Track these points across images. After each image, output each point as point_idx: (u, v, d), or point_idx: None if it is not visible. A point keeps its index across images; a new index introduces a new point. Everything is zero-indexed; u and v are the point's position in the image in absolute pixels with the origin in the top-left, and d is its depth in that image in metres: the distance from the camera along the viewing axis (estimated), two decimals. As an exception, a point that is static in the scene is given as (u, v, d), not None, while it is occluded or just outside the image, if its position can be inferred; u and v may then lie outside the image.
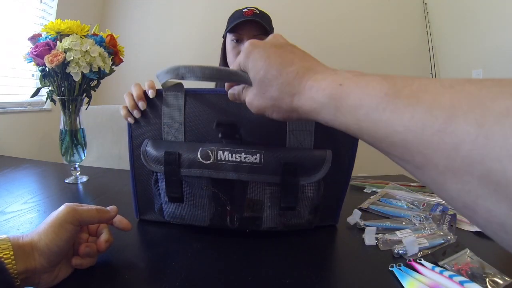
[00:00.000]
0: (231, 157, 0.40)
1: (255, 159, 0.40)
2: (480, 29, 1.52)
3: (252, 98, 0.31)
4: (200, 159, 0.40)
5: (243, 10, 1.05)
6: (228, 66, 1.09)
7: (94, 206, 0.37)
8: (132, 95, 0.47)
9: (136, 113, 0.47)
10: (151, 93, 0.46)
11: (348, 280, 0.38)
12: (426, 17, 1.80)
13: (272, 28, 1.11)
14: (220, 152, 0.40)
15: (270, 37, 0.33)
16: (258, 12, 1.06)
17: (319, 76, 0.26)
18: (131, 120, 0.47)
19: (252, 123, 0.43)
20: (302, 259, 0.41)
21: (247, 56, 0.31)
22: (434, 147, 0.17)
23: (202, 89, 0.45)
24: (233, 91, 0.36)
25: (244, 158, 0.40)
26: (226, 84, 0.37)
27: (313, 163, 0.41)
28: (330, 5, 1.87)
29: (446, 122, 0.16)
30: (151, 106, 0.46)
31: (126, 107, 0.47)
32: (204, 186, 0.42)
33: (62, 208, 0.34)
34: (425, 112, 0.17)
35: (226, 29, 1.10)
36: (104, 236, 0.37)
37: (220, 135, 0.42)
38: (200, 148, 0.41)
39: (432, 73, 1.77)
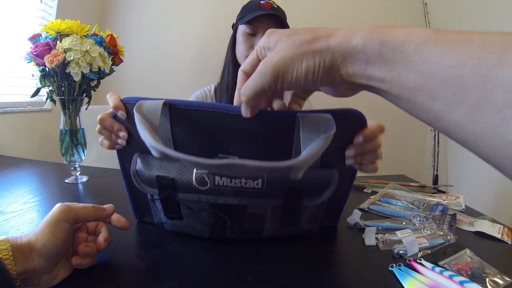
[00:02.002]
0: (230, 182, 0.36)
1: (257, 184, 0.37)
2: (480, 29, 1.51)
3: (273, 54, 0.26)
4: (196, 185, 0.37)
5: (261, 2, 0.96)
6: (235, 57, 1.03)
7: (90, 204, 0.37)
8: (109, 119, 0.40)
9: (121, 141, 0.41)
10: (120, 114, 0.39)
11: (348, 280, 0.37)
12: (426, 17, 1.80)
13: (288, 24, 1.02)
14: (217, 178, 0.36)
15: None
16: (275, 6, 0.98)
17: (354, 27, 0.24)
18: (118, 147, 0.42)
19: (253, 135, 0.37)
20: (302, 259, 0.41)
21: (267, 35, 0.28)
22: (491, 81, 0.16)
23: (191, 104, 0.37)
24: (247, 65, 0.30)
25: (245, 183, 0.36)
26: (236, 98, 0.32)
27: (319, 185, 0.38)
28: (330, 5, 1.87)
29: (502, 56, 0.16)
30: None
31: (105, 137, 0.42)
32: (202, 207, 0.40)
33: (57, 207, 0.34)
34: (478, 47, 0.17)
35: (238, 18, 1.01)
36: (103, 235, 0.37)
37: (217, 152, 0.37)
38: (194, 171, 0.37)
39: (432, 73, 1.77)
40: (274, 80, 0.26)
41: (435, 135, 1.76)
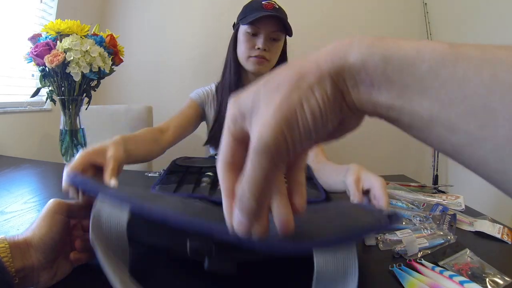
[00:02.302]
0: None
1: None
2: (480, 29, 1.52)
3: (261, 117, 0.18)
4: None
5: (263, 2, 0.94)
6: (237, 56, 1.01)
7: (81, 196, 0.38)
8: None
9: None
10: (113, 183, 0.37)
11: None
12: (426, 17, 1.80)
13: (289, 25, 0.99)
14: None
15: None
16: (277, 6, 0.96)
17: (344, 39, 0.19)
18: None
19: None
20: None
21: (236, 101, 0.20)
22: None
23: (163, 216, 0.25)
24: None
25: None
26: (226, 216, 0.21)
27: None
28: (329, 5, 1.87)
29: None
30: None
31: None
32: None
33: (50, 202, 0.35)
34: (509, 69, 0.14)
35: (240, 18, 1.00)
36: None
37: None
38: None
39: (432, 73, 1.77)
40: (281, 148, 0.17)
41: (435, 135, 1.76)
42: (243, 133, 0.20)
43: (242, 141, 0.20)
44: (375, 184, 0.47)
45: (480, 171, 0.15)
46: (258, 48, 0.94)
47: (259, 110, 0.19)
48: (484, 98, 0.14)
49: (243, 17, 0.98)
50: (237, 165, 0.20)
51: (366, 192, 0.49)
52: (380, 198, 0.46)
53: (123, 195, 0.28)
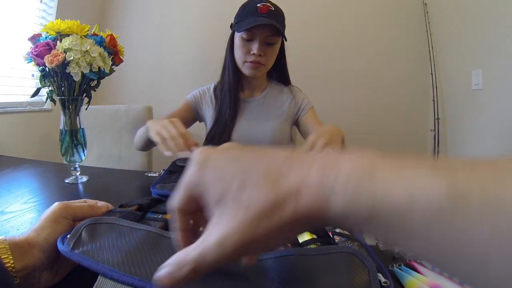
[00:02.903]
0: None
1: None
2: (480, 29, 1.52)
3: (227, 228, 0.18)
4: None
5: (258, 5, 0.93)
6: (234, 59, 1.01)
7: (87, 203, 0.38)
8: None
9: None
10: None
11: (348, 280, 0.37)
12: (426, 17, 1.80)
13: (285, 26, 1.00)
14: None
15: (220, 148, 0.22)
16: (273, 8, 0.95)
17: (326, 156, 0.17)
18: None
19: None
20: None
21: (199, 170, 0.20)
22: None
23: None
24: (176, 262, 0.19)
25: None
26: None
27: None
28: (329, 5, 1.87)
29: None
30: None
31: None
32: None
33: (55, 205, 0.35)
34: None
35: (236, 20, 1.00)
36: None
37: None
38: None
39: (432, 73, 1.77)
40: (229, 257, 0.18)
41: (435, 135, 1.77)
42: (198, 199, 0.21)
43: (195, 199, 0.21)
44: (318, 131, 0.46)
45: None
46: (254, 54, 0.95)
47: (223, 211, 0.18)
48: (482, 254, 0.13)
49: (238, 20, 0.98)
50: (187, 211, 0.23)
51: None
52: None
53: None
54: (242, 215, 0.17)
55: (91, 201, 0.39)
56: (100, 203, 0.39)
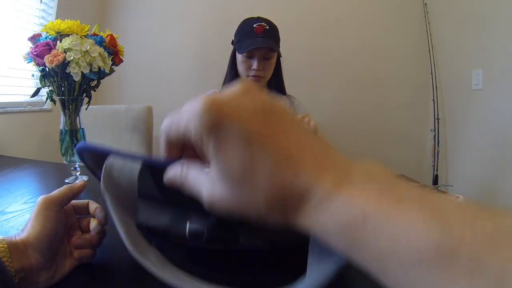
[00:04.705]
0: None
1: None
2: (480, 29, 1.52)
3: (217, 193, 0.19)
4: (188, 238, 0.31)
5: (254, 26, 1.09)
6: (237, 73, 1.18)
7: (63, 186, 0.37)
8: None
9: None
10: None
11: (348, 280, 0.37)
12: (426, 17, 1.80)
13: (279, 40, 1.17)
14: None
15: (239, 92, 0.19)
16: (267, 27, 1.10)
17: (327, 185, 0.17)
18: None
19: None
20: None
21: (210, 133, 0.18)
22: None
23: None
24: (175, 172, 0.22)
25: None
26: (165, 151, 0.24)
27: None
28: (329, 5, 1.87)
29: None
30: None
31: None
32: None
33: (38, 200, 0.35)
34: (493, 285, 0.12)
35: (235, 40, 1.16)
36: (95, 229, 0.38)
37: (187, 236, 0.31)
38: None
39: (432, 73, 1.77)
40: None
41: (435, 135, 1.77)
42: (197, 144, 0.19)
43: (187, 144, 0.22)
44: None
45: None
46: (254, 69, 1.11)
47: (226, 170, 0.18)
48: None
49: (238, 41, 1.15)
50: (175, 144, 0.23)
51: None
52: None
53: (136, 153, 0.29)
54: (247, 191, 0.18)
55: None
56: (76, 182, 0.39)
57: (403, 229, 0.14)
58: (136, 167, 0.27)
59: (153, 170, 0.27)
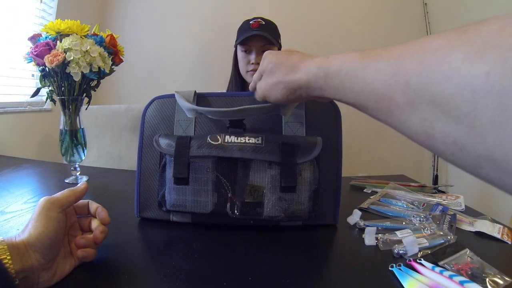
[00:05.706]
0: (237, 139, 0.45)
1: (258, 140, 0.45)
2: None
3: (261, 83, 0.41)
4: (209, 140, 0.46)
5: (250, 22, 1.14)
6: (239, 72, 1.23)
7: (67, 189, 0.37)
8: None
9: None
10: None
11: (348, 280, 0.38)
12: (426, 17, 1.80)
13: (279, 35, 1.19)
14: (227, 136, 0.46)
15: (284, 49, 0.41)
16: (263, 23, 1.14)
17: (314, 57, 0.33)
18: None
19: (255, 118, 0.51)
20: (302, 259, 0.42)
21: (263, 59, 0.41)
22: (393, 87, 0.21)
23: (212, 93, 0.53)
24: (253, 83, 0.45)
25: (248, 140, 0.45)
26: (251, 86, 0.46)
27: (307, 145, 0.47)
28: (329, 5, 1.87)
29: (398, 66, 0.21)
30: (165, 106, 0.52)
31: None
32: (208, 168, 0.46)
33: (40, 200, 0.35)
34: (384, 62, 0.22)
35: (236, 40, 1.20)
36: (98, 228, 0.38)
37: (227, 124, 0.49)
38: (209, 135, 0.46)
39: (432, 73, 1.77)
40: (262, 99, 0.42)
41: (435, 135, 1.76)
42: (262, 76, 0.43)
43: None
44: None
45: (394, 128, 0.24)
46: (252, 63, 1.14)
47: (266, 78, 0.41)
48: (372, 84, 0.23)
49: (237, 39, 1.18)
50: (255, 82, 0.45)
51: None
52: None
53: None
54: (270, 77, 0.39)
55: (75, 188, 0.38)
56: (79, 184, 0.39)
57: (345, 56, 0.27)
58: (191, 91, 0.53)
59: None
